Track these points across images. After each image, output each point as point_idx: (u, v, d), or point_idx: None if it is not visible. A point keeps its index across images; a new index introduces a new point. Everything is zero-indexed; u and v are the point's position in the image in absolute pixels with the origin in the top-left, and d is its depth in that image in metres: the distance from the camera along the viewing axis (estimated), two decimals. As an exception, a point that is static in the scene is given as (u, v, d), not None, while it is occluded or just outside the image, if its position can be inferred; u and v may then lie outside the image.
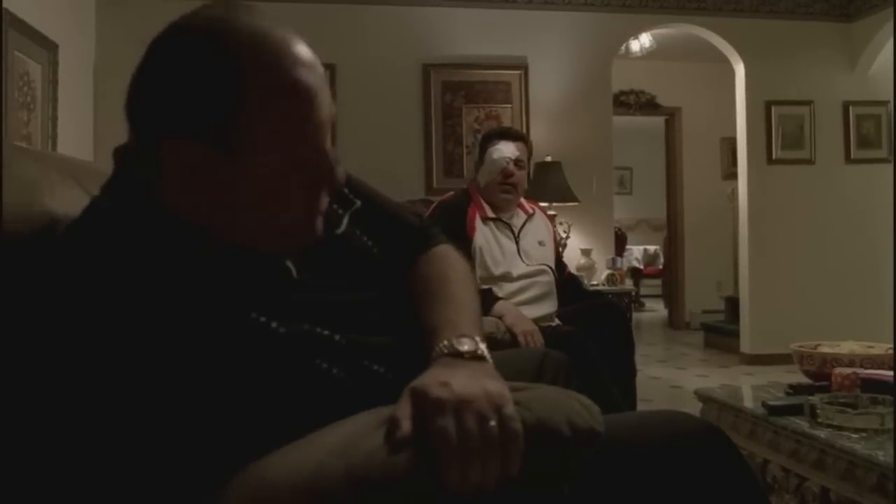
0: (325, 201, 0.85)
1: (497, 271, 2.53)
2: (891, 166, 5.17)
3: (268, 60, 0.77)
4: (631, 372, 2.54)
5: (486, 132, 2.87)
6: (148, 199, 0.82)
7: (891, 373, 1.74)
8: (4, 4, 3.34)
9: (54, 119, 3.79)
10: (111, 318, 0.73)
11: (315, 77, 0.81)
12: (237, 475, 0.72)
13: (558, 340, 2.24)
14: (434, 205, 2.77)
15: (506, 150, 2.63)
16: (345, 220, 1.00)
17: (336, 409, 0.80)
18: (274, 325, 0.81)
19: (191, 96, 0.77)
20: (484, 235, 2.57)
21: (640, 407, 2.72)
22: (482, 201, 2.65)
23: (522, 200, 2.77)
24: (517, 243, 2.63)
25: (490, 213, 2.64)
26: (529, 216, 2.74)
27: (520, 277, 2.55)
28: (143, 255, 0.78)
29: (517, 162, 2.64)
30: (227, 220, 0.81)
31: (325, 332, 0.84)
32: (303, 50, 0.80)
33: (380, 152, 4.64)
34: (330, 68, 4.59)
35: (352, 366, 0.86)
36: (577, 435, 0.73)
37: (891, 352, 1.91)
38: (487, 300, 2.37)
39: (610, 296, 3.77)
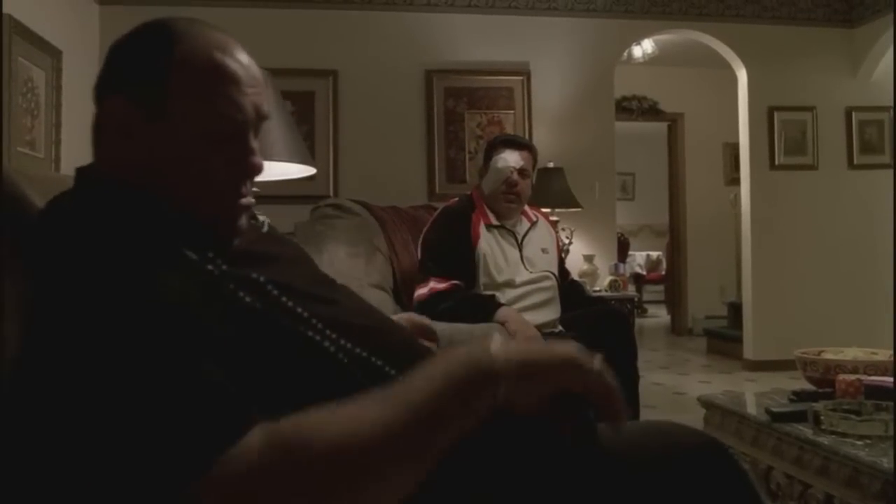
0: (246, 188, 0.91)
1: (500, 279, 2.53)
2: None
3: (201, 44, 0.87)
4: (634, 378, 2.54)
5: (491, 139, 2.86)
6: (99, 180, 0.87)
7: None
8: (10, 11, 3.35)
9: (58, 125, 3.80)
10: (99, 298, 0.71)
11: (243, 70, 0.89)
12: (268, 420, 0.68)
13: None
14: (439, 210, 2.77)
15: (510, 159, 2.62)
16: (266, 224, 1.04)
17: (328, 380, 0.81)
18: (248, 299, 0.81)
19: (127, 62, 0.88)
20: (488, 242, 2.57)
21: (643, 413, 2.72)
22: (486, 208, 2.65)
23: (526, 208, 2.76)
24: (521, 251, 2.63)
25: (494, 221, 2.63)
26: (533, 224, 2.73)
27: (522, 284, 2.55)
28: (115, 230, 0.79)
29: (521, 171, 2.63)
30: (158, 184, 0.86)
31: (299, 310, 0.85)
32: (239, 50, 0.90)
33: (382, 158, 4.65)
34: (332, 74, 4.62)
35: (334, 340, 0.85)
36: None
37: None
38: (490, 306, 2.37)
39: (612, 302, 3.76)
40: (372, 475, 0.65)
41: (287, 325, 0.82)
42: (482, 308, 2.36)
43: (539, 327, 2.37)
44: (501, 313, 2.33)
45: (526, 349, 0.74)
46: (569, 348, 0.76)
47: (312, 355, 0.83)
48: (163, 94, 0.85)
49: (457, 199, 2.79)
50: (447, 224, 2.62)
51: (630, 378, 2.50)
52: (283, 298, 0.84)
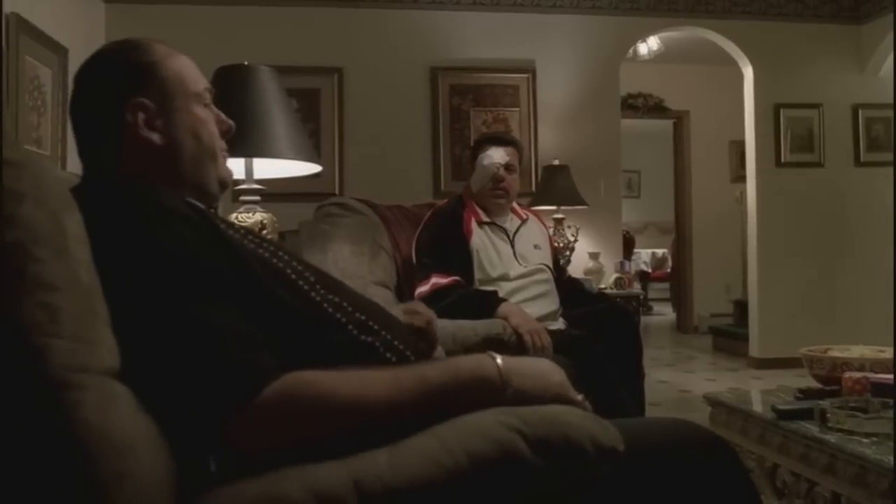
0: (222, 142, 1.12)
1: (494, 273, 2.54)
2: (901, 169, 5.14)
3: (157, 44, 1.09)
4: (639, 376, 2.53)
5: (476, 138, 2.90)
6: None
7: (901, 377, 1.73)
8: (17, 9, 3.36)
9: (64, 123, 3.81)
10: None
11: (188, 59, 1.11)
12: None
13: (567, 345, 2.23)
14: (430, 212, 2.78)
15: (496, 155, 2.66)
16: None
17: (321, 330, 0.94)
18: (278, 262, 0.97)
19: (129, 72, 1.05)
20: (480, 238, 2.60)
21: (649, 411, 2.72)
22: (476, 206, 2.68)
23: (516, 206, 2.79)
24: (512, 246, 2.65)
25: (484, 218, 2.67)
26: (523, 221, 2.76)
27: (517, 277, 2.56)
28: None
29: (507, 167, 2.68)
30: (179, 159, 1.05)
31: (294, 263, 0.99)
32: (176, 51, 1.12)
33: (388, 155, 4.65)
34: (338, 71, 4.62)
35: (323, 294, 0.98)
36: (600, 453, 0.77)
37: (901, 356, 1.90)
38: (492, 302, 2.37)
39: (618, 299, 3.76)
40: (363, 430, 0.81)
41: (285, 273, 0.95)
42: (484, 303, 2.36)
43: (540, 319, 2.38)
44: (503, 309, 2.33)
45: (527, 374, 0.89)
46: (560, 389, 0.90)
47: (308, 306, 0.94)
48: (158, 81, 1.04)
49: (446, 200, 2.84)
50: (440, 224, 2.65)
51: (635, 376, 2.50)
52: (285, 256, 0.99)
